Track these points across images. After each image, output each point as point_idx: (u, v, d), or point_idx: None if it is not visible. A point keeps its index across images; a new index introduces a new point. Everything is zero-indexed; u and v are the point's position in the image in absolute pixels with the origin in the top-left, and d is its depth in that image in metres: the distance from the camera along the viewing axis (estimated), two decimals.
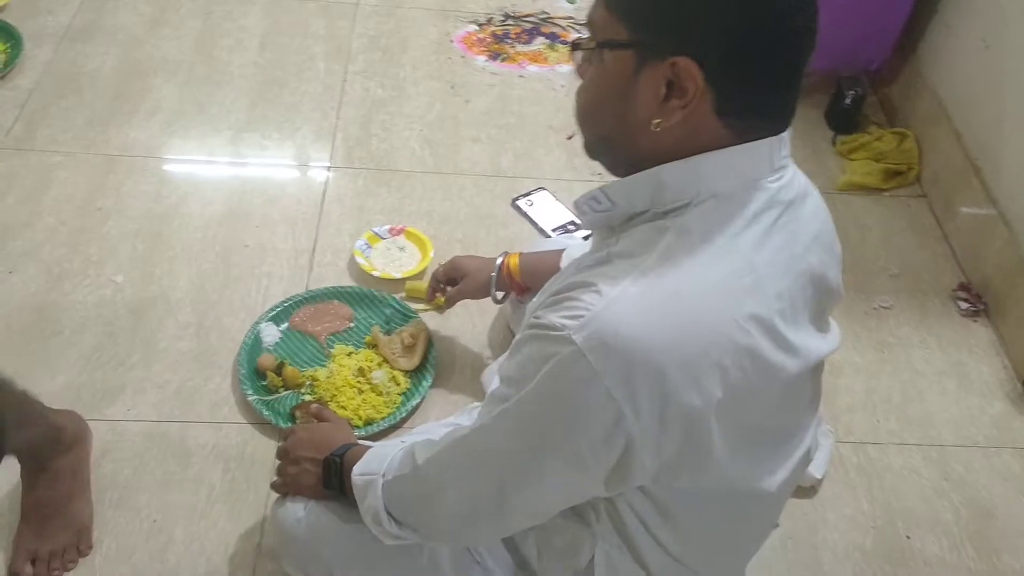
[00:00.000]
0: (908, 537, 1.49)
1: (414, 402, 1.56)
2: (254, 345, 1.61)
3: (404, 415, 1.54)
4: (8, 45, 2.17)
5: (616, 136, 0.86)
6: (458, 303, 1.62)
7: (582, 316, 0.78)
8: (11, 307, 1.66)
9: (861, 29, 2.17)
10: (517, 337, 0.87)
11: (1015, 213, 1.84)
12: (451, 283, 1.60)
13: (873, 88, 2.34)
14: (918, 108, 2.20)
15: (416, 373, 1.61)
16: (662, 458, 0.80)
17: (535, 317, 0.83)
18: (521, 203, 1.99)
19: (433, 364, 1.61)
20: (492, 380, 1.38)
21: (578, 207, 0.92)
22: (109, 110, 2.08)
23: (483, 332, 1.71)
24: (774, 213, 0.83)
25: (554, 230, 1.92)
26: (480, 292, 1.57)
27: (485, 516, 0.94)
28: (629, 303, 0.78)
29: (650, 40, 0.79)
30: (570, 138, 2.17)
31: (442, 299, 1.62)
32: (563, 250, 1.47)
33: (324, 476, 1.16)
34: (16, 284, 1.70)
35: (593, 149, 0.93)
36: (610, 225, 0.90)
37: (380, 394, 1.56)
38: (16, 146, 1.97)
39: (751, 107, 0.81)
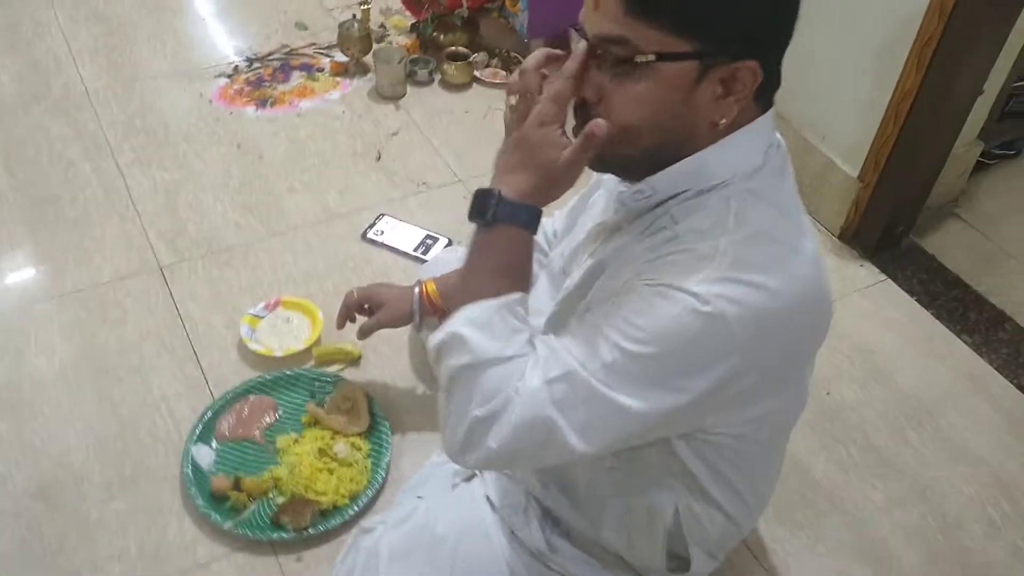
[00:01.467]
0: (828, 393, 1.74)
1: (386, 458, 1.54)
2: (196, 473, 1.49)
3: (384, 475, 1.52)
4: None
5: (672, 141, 0.90)
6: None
7: (705, 277, 0.85)
8: None
9: None
10: (630, 300, 0.89)
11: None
12: (366, 313, 1.56)
13: None
14: None
15: (370, 430, 1.58)
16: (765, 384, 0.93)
17: (651, 281, 0.88)
18: (371, 235, 1.98)
19: (381, 414, 1.59)
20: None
21: (621, 201, 0.99)
22: None
23: (405, 364, 1.70)
24: (784, 153, 0.96)
25: (415, 249, 1.94)
26: (400, 321, 1.52)
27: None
28: (736, 262, 0.86)
29: (715, 49, 0.83)
30: (379, 159, 2.18)
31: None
32: None
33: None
34: None
35: (623, 164, 0.95)
36: (641, 211, 0.98)
37: (350, 466, 1.52)
38: None
39: (778, 78, 0.91)
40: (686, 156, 0.91)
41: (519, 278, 0.95)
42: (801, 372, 1.04)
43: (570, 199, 1.39)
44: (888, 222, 1.98)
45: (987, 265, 2.05)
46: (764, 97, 0.90)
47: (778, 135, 0.97)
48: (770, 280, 0.86)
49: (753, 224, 0.89)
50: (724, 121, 0.87)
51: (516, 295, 0.94)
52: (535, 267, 1.45)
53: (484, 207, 0.91)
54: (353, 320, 1.56)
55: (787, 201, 0.95)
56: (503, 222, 0.91)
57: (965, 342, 1.86)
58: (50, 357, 1.68)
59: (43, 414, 1.59)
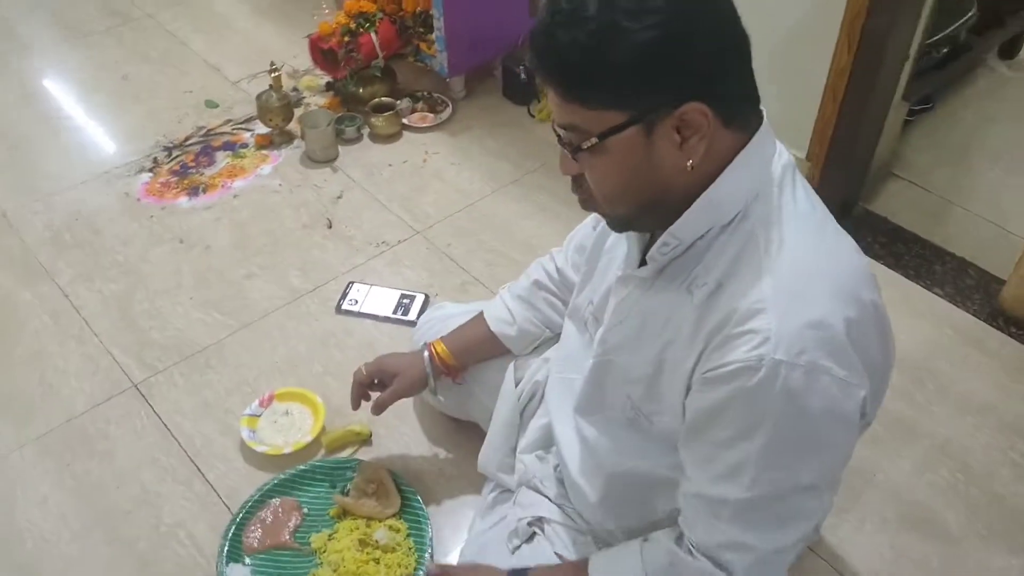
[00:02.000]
0: None
1: (428, 534, 1.49)
2: None
3: (430, 550, 1.47)
4: None
5: (655, 197, 0.93)
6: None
7: (768, 338, 0.86)
8: None
9: (499, 16, 2.38)
10: (708, 401, 0.93)
11: None
12: (379, 387, 1.51)
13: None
14: None
15: (403, 507, 1.53)
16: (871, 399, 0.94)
17: (711, 373, 0.90)
18: (346, 306, 1.92)
19: (409, 489, 1.55)
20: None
21: (652, 259, 0.99)
22: None
23: (417, 431, 1.67)
24: (786, 160, 0.98)
25: (395, 312, 1.90)
26: (415, 388, 1.49)
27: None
28: (791, 302, 0.88)
29: (649, 107, 0.86)
30: (330, 227, 2.13)
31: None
32: (478, 313, 1.49)
33: None
34: None
35: (629, 222, 1.00)
36: (673, 259, 0.98)
37: (393, 550, 1.47)
38: None
39: (744, 100, 0.93)
40: (681, 204, 0.92)
41: None
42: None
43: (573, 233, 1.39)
44: (841, 196, 2.05)
45: (935, 217, 2.14)
46: (736, 121, 0.91)
47: (777, 143, 0.99)
48: (827, 308, 0.88)
49: (786, 248, 0.91)
50: (691, 163, 0.88)
51: None
52: (547, 310, 1.44)
53: None
54: (367, 398, 1.52)
55: (803, 207, 0.96)
56: None
57: (938, 295, 1.94)
58: (44, 508, 1.56)
59: (56, 570, 1.47)
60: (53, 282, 1.98)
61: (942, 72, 2.39)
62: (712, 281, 0.94)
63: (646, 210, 0.95)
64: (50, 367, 1.80)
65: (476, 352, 1.49)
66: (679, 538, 1.04)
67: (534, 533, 1.31)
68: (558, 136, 0.93)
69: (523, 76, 2.43)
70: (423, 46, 2.39)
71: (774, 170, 0.95)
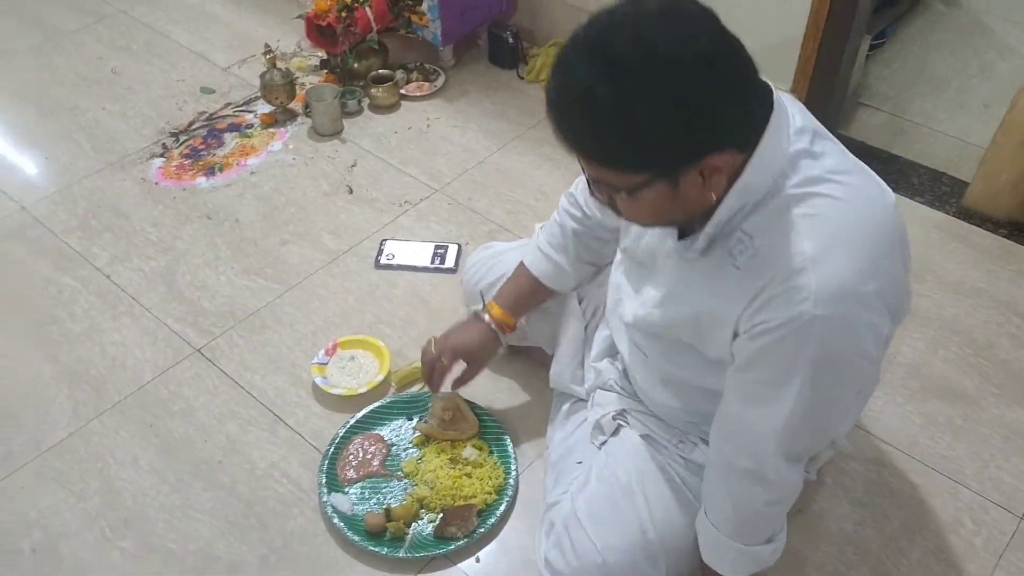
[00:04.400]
0: None
1: (510, 447, 1.61)
2: (345, 520, 1.51)
3: (516, 462, 1.60)
4: None
5: (683, 218, 1.05)
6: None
7: (807, 297, 0.98)
8: None
9: None
10: (752, 349, 1.05)
11: None
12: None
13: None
14: (548, 20, 2.62)
15: (483, 428, 1.65)
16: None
17: (758, 328, 1.03)
18: (384, 261, 2.02)
19: (483, 410, 1.66)
20: (564, 376, 1.57)
21: (680, 255, 1.13)
22: None
23: None
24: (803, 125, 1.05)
25: (432, 261, 2.01)
26: (492, 357, 1.56)
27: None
28: (828, 261, 0.99)
29: (673, 167, 0.93)
30: (351, 192, 2.22)
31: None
32: (520, 267, 1.53)
33: None
34: None
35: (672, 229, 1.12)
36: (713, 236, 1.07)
37: (481, 465, 1.59)
38: None
39: (757, 114, 0.98)
40: (713, 207, 1.02)
41: None
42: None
43: None
44: (823, 124, 2.23)
45: (905, 137, 2.36)
46: (754, 137, 0.97)
47: (788, 109, 1.02)
48: (861, 264, 0.99)
49: (819, 210, 1.00)
50: (715, 195, 0.98)
51: None
52: (584, 252, 1.50)
53: None
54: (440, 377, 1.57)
55: (829, 164, 1.02)
56: None
57: (920, 202, 2.15)
58: (136, 467, 1.63)
59: (162, 520, 1.55)
60: (91, 265, 2.03)
61: (893, 8, 2.62)
62: (753, 247, 1.03)
63: (675, 224, 1.09)
64: (108, 342, 1.86)
65: (529, 303, 1.55)
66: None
67: (619, 426, 1.45)
68: (588, 181, 1.02)
69: (511, 40, 2.56)
70: (414, 18, 2.49)
71: (792, 141, 1.01)
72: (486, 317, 1.52)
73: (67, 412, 1.72)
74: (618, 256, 1.38)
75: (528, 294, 1.54)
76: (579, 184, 1.45)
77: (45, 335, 1.87)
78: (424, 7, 2.44)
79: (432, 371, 1.55)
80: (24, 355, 1.83)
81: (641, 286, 1.27)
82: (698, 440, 1.37)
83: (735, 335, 1.09)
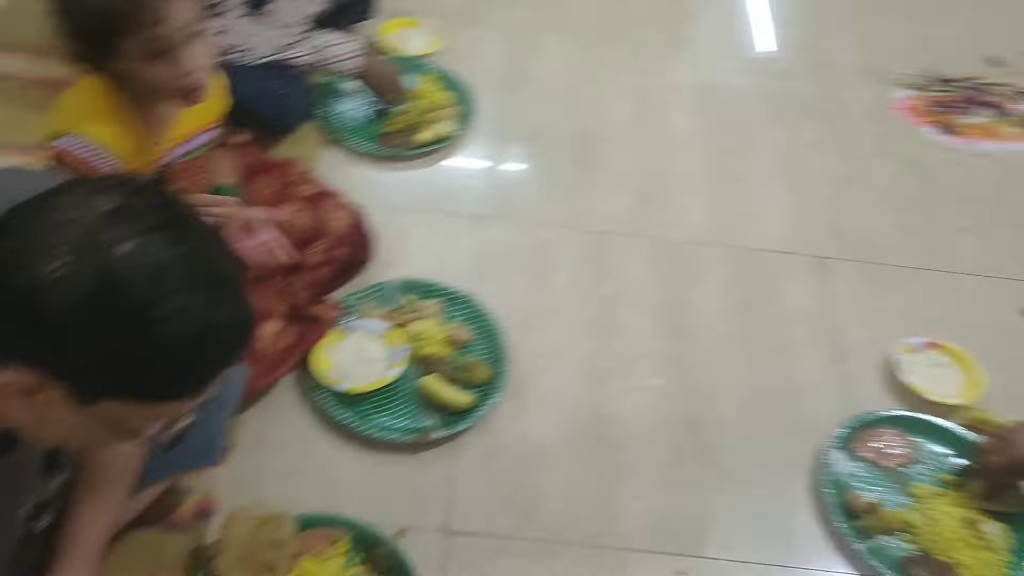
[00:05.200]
0: None
1: None
2: (834, 481, 1.47)
3: None
4: (456, 97, 2.05)
5: None
6: None
7: None
8: (567, 407, 1.56)
9: None
10: None
11: None
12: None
13: None
14: None
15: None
16: None
17: None
18: None
19: None
20: None
21: None
22: (577, 179, 1.97)
23: None
24: None
25: None
26: None
27: None
28: None
29: None
30: None
31: None
32: None
33: None
34: (559, 380, 1.60)
35: None
36: None
37: (993, 551, 1.41)
38: (506, 215, 1.87)
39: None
40: None
41: None
42: None
43: None
44: None
45: None
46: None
47: None
48: None
49: None
50: None
51: None
52: None
53: None
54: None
55: None
56: None
57: None
58: (708, 298, 1.76)
59: (696, 349, 1.67)
60: (788, 133, 2.14)
61: None
62: None
63: None
64: (757, 197, 1.98)
65: None
66: None
67: None
68: None
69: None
70: None
71: None
72: None
73: (688, 227, 1.91)
74: None
75: None
76: None
77: (718, 162, 2.05)
78: None
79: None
80: (705, 175, 2.04)
81: None
82: None
83: None
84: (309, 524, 1.28)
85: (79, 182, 0.70)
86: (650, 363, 1.63)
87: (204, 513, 1.30)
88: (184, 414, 0.74)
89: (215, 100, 1.38)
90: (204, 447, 1.22)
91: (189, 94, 1.22)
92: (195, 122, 1.37)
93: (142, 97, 1.25)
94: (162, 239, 0.64)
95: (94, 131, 1.21)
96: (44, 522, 0.92)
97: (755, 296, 1.78)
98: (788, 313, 1.75)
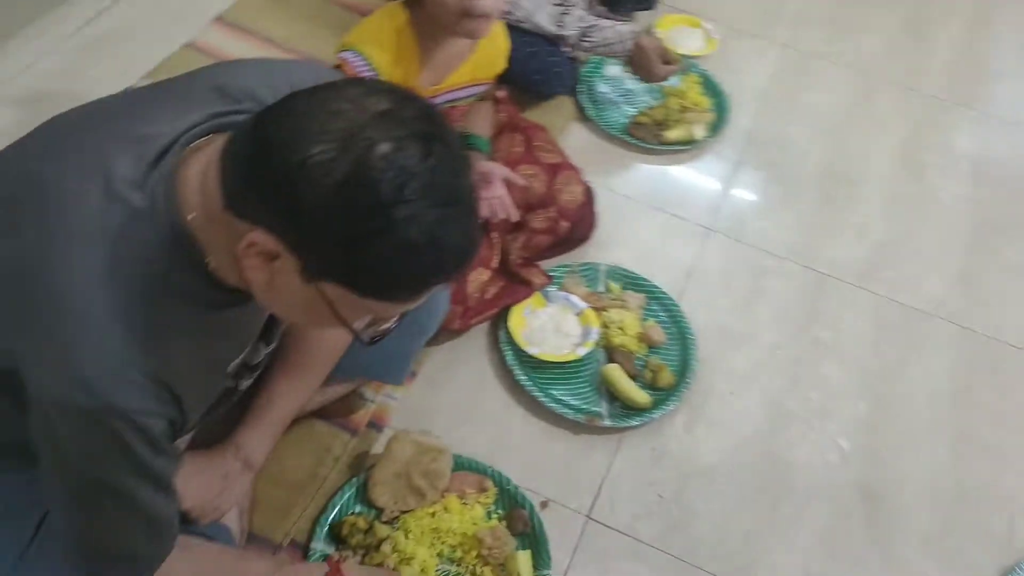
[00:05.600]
0: None
1: None
2: None
3: None
4: (714, 103, 2.02)
5: None
6: None
7: None
8: (741, 437, 1.51)
9: None
10: None
11: None
12: None
13: None
14: None
15: None
16: None
17: None
18: None
19: None
20: None
21: None
22: (815, 215, 1.88)
23: None
24: None
25: None
26: None
27: None
28: None
29: None
30: None
31: None
32: None
33: None
34: (740, 408, 1.55)
35: None
36: None
37: None
38: (731, 231, 1.83)
39: None
40: None
41: None
42: None
43: None
44: None
45: None
46: None
47: None
48: None
49: None
50: None
51: None
52: None
53: None
54: None
55: None
56: None
57: None
58: (926, 376, 1.63)
59: (895, 429, 1.55)
60: None
61: None
62: None
63: None
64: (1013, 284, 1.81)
65: None
66: None
67: None
68: None
69: None
70: None
71: None
72: None
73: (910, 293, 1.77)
74: None
75: None
76: None
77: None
78: None
79: None
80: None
81: None
82: None
83: None
84: (464, 466, 1.33)
85: (359, 81, 0.75)
86: (842, 422, 1.54)
87: (376, 425, 1.38)
88: (389, 318, 0.79)
89: (496, 58, 1.44)
90: (394, 364, 1.29)
91: (473, 25, 1.28)
92: (473, 73, 1.45)
93: (434, 31, 1.33)
94: (417, 149, 0.67)
95: (373, 53, 1.31)
96: (246, 383, 1.00)
97: (980, 387, 1.63)
98: (1013, 414, 1.59)
